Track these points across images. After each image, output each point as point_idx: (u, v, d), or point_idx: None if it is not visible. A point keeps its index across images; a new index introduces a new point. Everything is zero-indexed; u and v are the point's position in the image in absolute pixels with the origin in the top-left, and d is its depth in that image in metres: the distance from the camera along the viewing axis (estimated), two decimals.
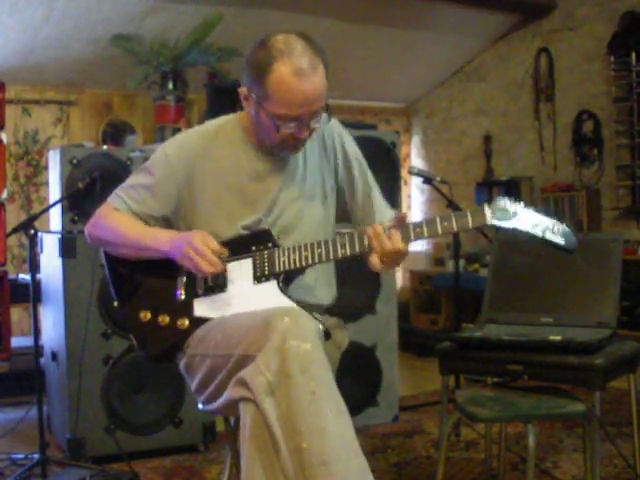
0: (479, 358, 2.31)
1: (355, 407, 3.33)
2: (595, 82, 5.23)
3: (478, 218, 1.69)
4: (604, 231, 5.15)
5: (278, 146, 1.82)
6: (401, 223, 1.71)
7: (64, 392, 3.03)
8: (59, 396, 3.14)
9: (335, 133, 1.98)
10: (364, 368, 3.40)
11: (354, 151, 2.01)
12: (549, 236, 1.70)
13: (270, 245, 1.81)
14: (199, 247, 1.74)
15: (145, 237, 1.85)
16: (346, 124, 3.49)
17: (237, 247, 1.82)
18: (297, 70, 1.68)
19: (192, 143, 1.90)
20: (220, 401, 1.69)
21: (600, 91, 5.19)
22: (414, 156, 6.78)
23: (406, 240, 1.70)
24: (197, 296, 1.83)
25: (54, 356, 3.19)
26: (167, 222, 1.92)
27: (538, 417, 2.11)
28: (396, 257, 1.70)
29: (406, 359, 4.97)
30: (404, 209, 6.17)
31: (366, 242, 1.72)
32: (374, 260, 1.71)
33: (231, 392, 1.60)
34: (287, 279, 1.81)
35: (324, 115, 2.00)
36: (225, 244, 1.82)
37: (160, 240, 1.83)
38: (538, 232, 1.70)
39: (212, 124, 1.96)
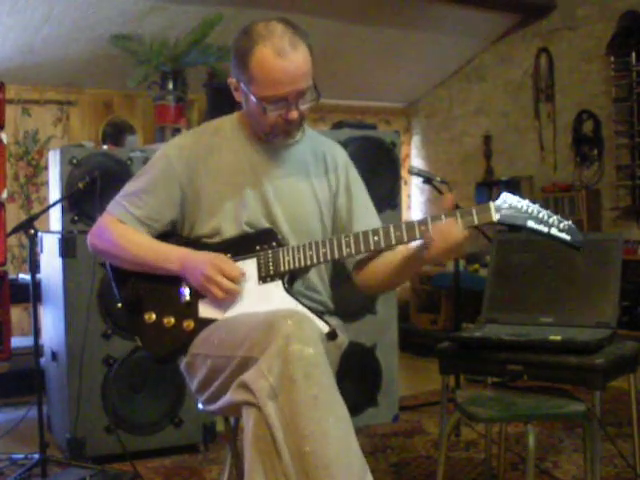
0: (479, 358, 2.31)
1: (355, 407, 3.33)
2: (595, 82, 5.23)
3: (484, 215, 1.69)
4: (604, 231, 5.15)
5: (270, 132, 1.82)
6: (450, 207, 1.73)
7: (64, 392, 3.03)
8: (59, 396, 3.14)
9: (340, 163, 1.99)
10: (364, 368, 3.40)
11: (360, 193, 2.01)
12: (555, 232, 1.69)
13: (274, 244, 1.81)
14: (220, 282, 1.74)
15: (153, 258, 1.84)
16: (346, 124, 3.55)
17: (241, 246, 1.82)
18: (278, 49, 1.71)
19: (192, 143, 1.91)
20: (221, 402, 1.69)
21: (600, 91, 5.18)
22: (414, 156, 6.78)
23: (412, 239, 1.72)
24: (202, 297, 1.82)
25: (54, 356, 3.19)
26: (172, 224, 1.91)
27: (538, 417, 2.11)
28: (457, 248, 1.72)
29: (406, 359, 4.96)
30: (404, 209, 6.17)
31: (410, 235, 1.72)
32: (433, 249, 1.70)
33: (233, 395, 1.60)
34: (291, 278, 1.81)
35: (330, 141, 2.02)
36: (229, 243, 1.83)
37: (170, 262, 1.83)
38: (544, 229, 1.69)
39: (210, 124, 1.97)
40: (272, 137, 1.85)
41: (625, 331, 4.19)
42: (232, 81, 1.83)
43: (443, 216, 1.71)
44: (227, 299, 1.77)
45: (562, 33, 5.45)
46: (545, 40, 5.56)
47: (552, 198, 5.36)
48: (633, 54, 4.82)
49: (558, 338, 2.19)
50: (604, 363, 2.10)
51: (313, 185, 1.93)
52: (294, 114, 1.77)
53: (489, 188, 5.88)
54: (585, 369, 2.10)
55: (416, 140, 6.77)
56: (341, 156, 2.02)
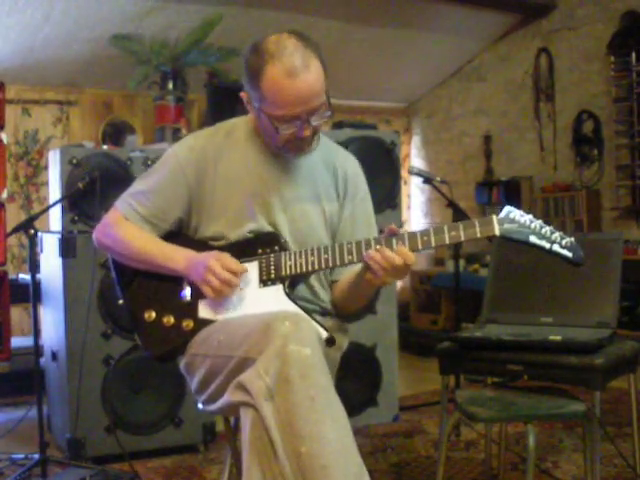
0: (479, 358, 2.31)
1: (355, 407, 3.33)
2: (595, 82, 5.23)
3: (486, 229, 1.68)
4: (604, 231, 5.15)
5: (283, 147, 1.81)
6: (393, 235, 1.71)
7: (64, 392, 3.03)
8: (59, 396, 3.14)
9: (350, 177, 1.97)
10: (364, 368, 3.40)
11: (365, 209, 2.00)
12: (557, 249, 1.69)
13: (276, 248, 1.81)
14: (220, 273, 1.74)
15: (158, 256, 1.85)
16: (346, 124, 3.55)
17: (244, 249, 1.82)
18: (288, 70, 1.67)
19: (203, 145, 1.89)
20: (220, 403, 1.69)
21: (600, 91, 5.19)
22: (414, 156, 6.78)
23: (413, 249, 1.69)
24: (202, 298, 1.83)
25: (54, 356, 3.19)
26: (179, 223, 1.91)
27: (538, 417, 2.11)
28: (404, 269, 1.69)
29: (406, 359, 4.97)
30: (404, 209, 6.18)
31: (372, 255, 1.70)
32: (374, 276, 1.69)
33: (231, 396, 1.60)
34: (292, 283, 1.80)
35: (344, 152, 2.01)
36: (232, 246, 1.83)
37: (175, 261, 1.83)
38: (546, 245, 1.69)
39: (222, 126, 1.95)
40: (285, 152, 1.83)
41: (625, 331, 4.19)
42: (244, 95, 1.82)
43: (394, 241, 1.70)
44: (223, 291, 1.76)
45: (562, 33, 5.45)
46: (545, 40, 5.57)
47: (552, 198, 5.36)
48: (633, 54, 4.82)
49: (558, 338, 2.19)
50: (604, 363, 2.10)
51: (321, 197, 1.91)
52: (307, 132, 1.75)
53: (489, 188, 5.89)
54: (585, 369, 2.10)
55: (416, 140, 6.77)
56: (352, 169, 1.99)
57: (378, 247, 1.69)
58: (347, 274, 1.91)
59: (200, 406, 1.87)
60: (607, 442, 2.91)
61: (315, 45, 1.74)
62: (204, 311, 1.82)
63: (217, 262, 1.75)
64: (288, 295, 1.77)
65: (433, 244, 1.70)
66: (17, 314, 4.54)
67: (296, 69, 1.67)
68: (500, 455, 2.74)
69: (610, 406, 3.54)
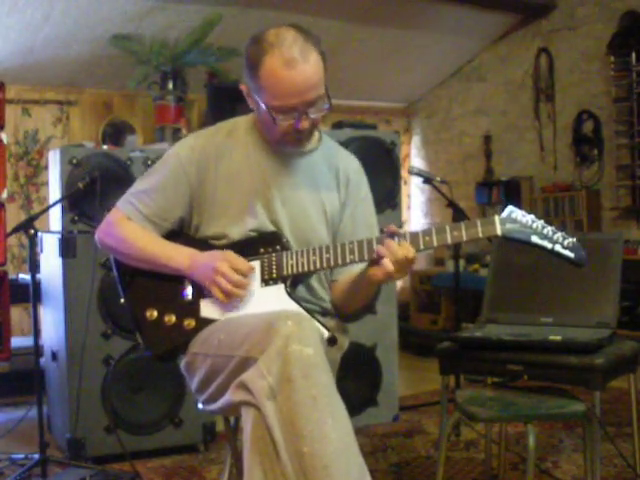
0: (479, 358, 2.31)
1: (355, 407, 3.33)
2: (595, 82, 5.23)
3: (488, 228, 1.68)
4: (604, 231, 5.15)
5: (281, 140, 1.81)
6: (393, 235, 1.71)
7: (64, 392, 3.03)
8: (59, 396, 3.14)
9: (352, 179, 1.96)
10: (364, 368, 3.40)
11: (365, 211, 2.00)
12: (559, 249, 1.70)
13: (278, 247, 1.81)
14: (229, 275, 1.73)
15: (161, 256, 1.84)
16: (346, 124, 3.55)
17: (246, 248, 1.81)
18: (287, 60, 1.68)
19: (204, 144, 1.90)
20: (221, 402, 1.69)
21: (600, 91, 5.19)
22: (414, 156, 6.78)
23: (415, 248, 1.69)
24: (203, 297, 1.83)
25: (54, 356, 3.19)
26: (181, 222, 1.91)
27: (538, 417, 2.11)
28: (406, 264, 1.69)
29: (406, 359, 4.96)
30: (404, 209, 6.18)
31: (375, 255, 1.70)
32: (379, 272, 1.69)
33: (232, 395, 1.60)
34: (294, 283, 1.81)
35: (348, 154, 2.01)
36: (234, 245, 1.83)
37: (178, 260, 1.83)
38: (548, 245, 1.69)
39: (223, 126, 1.95)
40: (283, 145, 1.84)
41: (625, 331, 4.19)
42: (244, 87, 1.82)
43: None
44: (234, 293, 1.76)
45: (562, 33, 5.45)
46: (545, 40, 5.57)
47: (552, 198, 5.36)
48: (633, 54, 4.82)
49: (558, 338, 2.19)
50: (604, 363, 2.10)
51: (322, 197, 1.91)
52: (304, 124, 1.75)
53: (489, 188, 5.89)
54: (585, 369, 2.10)
55: (416, 140, 6.77)
56: (354, 171, 1.99)
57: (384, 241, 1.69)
58: (347, 274, 1.91)
59: (200, 406, 1.87)
60: (607, 442, 2.91)
61: (315, 39, 1.74)
62: (206, 310, 1.82)
63: (225, 263, 1.75)
64: (290, 294, 1.78)
65: (435, 244, 1.70)
66: (17, 314, 4.54)
67: (294, 60, 1.68)
68: (500, 455, 2.74)
69: (610, 406, 3.54)
